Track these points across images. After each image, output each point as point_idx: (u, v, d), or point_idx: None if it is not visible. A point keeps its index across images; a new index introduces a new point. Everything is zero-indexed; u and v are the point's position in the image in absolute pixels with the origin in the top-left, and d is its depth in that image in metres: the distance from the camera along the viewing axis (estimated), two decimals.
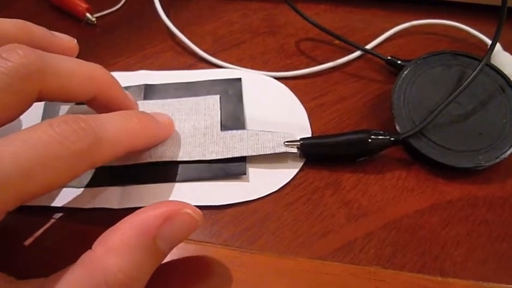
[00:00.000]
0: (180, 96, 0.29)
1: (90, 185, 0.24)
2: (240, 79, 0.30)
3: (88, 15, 0.35)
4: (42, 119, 0.27)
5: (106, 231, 0.18)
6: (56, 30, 0.24)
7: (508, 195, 0.25)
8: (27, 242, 0.22)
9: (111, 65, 0.32)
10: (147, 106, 0.28)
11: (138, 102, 0.27)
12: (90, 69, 0.22)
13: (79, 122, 0.18)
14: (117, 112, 0.22)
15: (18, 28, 0.22)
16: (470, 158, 0.25)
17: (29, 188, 0.17)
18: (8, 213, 0.17)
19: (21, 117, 0.20)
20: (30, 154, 0.17)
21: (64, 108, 0.28)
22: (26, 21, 0.23)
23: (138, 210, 0.18)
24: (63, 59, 0.21)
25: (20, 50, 0.19)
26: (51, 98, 0.21)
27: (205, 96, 0.28)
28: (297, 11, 0.32)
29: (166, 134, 0.25)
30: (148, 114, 0.24)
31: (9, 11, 0.36)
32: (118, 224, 0.18)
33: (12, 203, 0.17)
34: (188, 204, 0.19)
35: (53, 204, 0.24)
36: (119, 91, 0.24)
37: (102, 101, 0.23)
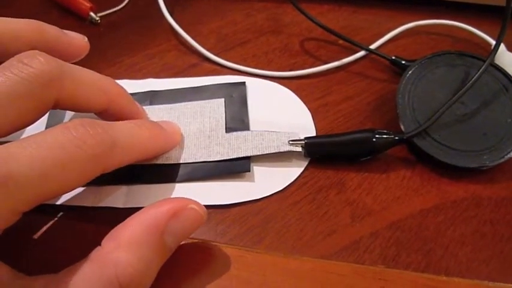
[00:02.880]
0: (185, 101, 0.29)
1: (96, 183, 0.24)
2: (244, 83, 0.30)
3: (92, 14, 0.35)
4: (48, 123, 0.27)
5: (115, 228, 0.18)
6: None
7: None
8: (34, 240, 0.23)
9: (115, 64, 0.32)
10: (153, 111, 0.28)
11: (145, 107, 0.27)
12: (103, 81, 0.23)
13: (96, 127, 0.19)
14: (130, 121, 0.22)
15: (32, 29, 0.22)
16: (474, 158, 0.25)
17: (44, 189, 0.17)
18: (24, 214, 0.17)
19: None
20: (47, 156, 0.17)
21: (70, 114, 0.28)
22: (40, 21, 0.23)
23: (146, 207, 0.19)
24: (79, 69, 0.21)
25: (41, 57, 0.19)
26: (66, 106, 0.21)
27: (210, 100, 0.28)
28: (301, 11, 0.32)
29: (174, 143, 0.25)
30: (158, 124, 0.24)
31: (13, 9, 0.36)
32: (126, 220, 0.18)
33: (28, 204, 0.17)
34: (193, 200, 0.20)
35: (58, 203, 0.24)
36: (129, 101, 0.24)
37: (112, 112, 0.23)
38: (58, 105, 0.20)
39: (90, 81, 0.22)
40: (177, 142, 0.26)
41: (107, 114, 0.23)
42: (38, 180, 0.16)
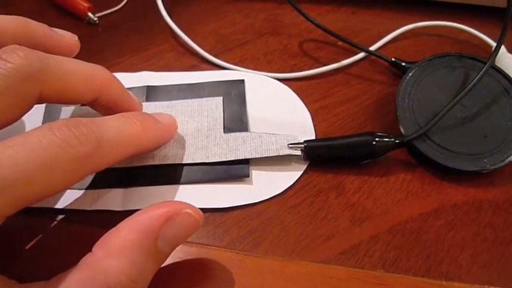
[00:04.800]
0: (183, 98, 0.28)
1: (93, 186, 0.24)
2: (243, 81, 0.29)
3: (90, 14, 0.34)
4: (44, 121, 0.27)
5: (106, 233, 0.18)
6: None
7: None
8: (28, 244, 0.22)
9: (114, 65, 0.32)
10: (149, 108, 0.27)
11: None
12: (91, 70, 0.22)
13: (80, 127, 0.18)
14: (119, 114, 0.22)
15: (18, 25, 0.22)
16: (475, 161, 0.25)
17: (28, 192, 0.16)
18: (8, 218, 0.17)
19: (23, 118, 0.20)
20: (30, 158, 0.16)
21: (66, 109, 0.27)
22: (26, 18, 0.22)
23: (138, 212, 0.18)
24: (63, 59, 0.21)
25: (20, 52, 0.19)
26: (51, 99, 0.20)
27: (208, 98, 0.28)
28: (300, 12, 0.32)
29: (169, 135, 0.25)
30: (151, 115, 0.23)
31: (10, 9, 0.35)
32: (118, 225, 0.18)
33: (11, 208, 0.16)
34: (188, 204, 0.19)
35: (55, 206, 0.23)
36: (121, 91, 0.23)
37: (104, 102, 0.23)
38: (43, 99, 0.20)
39: (75, 72, 0.21)
40: (173, 134, 0.25)
41: (99, 104, 0.23)
42: (20, 183, 0.16)
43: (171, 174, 0.25)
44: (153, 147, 0.24)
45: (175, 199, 0.24)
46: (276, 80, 0.30)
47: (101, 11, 0.35)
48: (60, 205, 0.24)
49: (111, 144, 0.19)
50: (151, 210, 0.18)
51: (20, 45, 0.19)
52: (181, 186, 0.25)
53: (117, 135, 0.20)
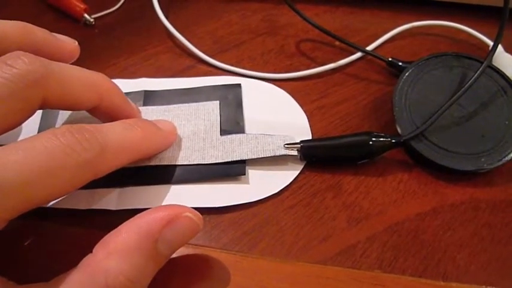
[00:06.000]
0: (180, 102, 0.28)
1: (88, 186, 0.24)
2: (239, 85, 0.29)
3: (86, 16, 0.34)
4: (40, 124, 0.27)
5: (107, 235, 0.18)
6: (53, 31, 0.24)
7: (511, 198, 0.25)
8: (26, 246, 0.22)
9: (110, 66, 0.31)
10: (147, 112, 0.27)
11: (139, 108, 0.27)
12: (93, 77, 0.22)
13: (83, 133, 0.18)
14: (121, 121, 0.22)
15: (19, 30, 0.22)
16: (472, 160, 0.25)
17: (31, 197, 0.17)
18: (9, 222, 0.17)
19: None
20: (34, 163, 0.16)
21: (63, 113, 0.27)
22: (27, 23, 0.23)
23: (139, 214, 0.18)
24: (66, 66, 0.21)
25: (25, 58, 0.19)
26: (54, 105, 0.21)
27: (205, 102, 0.28)
28: (297, 12, 0.32)
29: (169, 142, 0.25)
30: (151, 122, 0.24)
31: (6, 12, 0.35)
32: (119, 227, 0.18)
33: (13, 212, 0.17)
34: (189, 208, 0.19)
35: (50, 205, 0.23)
36: (121, 98, 0.24)
37: (104, 109, 0.23)
38: (46, 105, 0.20)
39: (78, 78, 0.21)
40: (173, 141, 0.25)
41: (99, 111, 0.23)
42: (24, 187, 0.16)
43: (166, 173, 0.25)
44: (154, 154, 0.25)
45: (170, 198, 0.24)
46: (272, 85, 0.30)
47: (97, 12, 0.35)
48: (55, 204, 0.23)
49: (113, 151, 0.20)
50: (151, 213, 0.18)
51: (21, 50, 0.20)
52: (176, 186, 0.24)
53: (119, 142, 0.20)
